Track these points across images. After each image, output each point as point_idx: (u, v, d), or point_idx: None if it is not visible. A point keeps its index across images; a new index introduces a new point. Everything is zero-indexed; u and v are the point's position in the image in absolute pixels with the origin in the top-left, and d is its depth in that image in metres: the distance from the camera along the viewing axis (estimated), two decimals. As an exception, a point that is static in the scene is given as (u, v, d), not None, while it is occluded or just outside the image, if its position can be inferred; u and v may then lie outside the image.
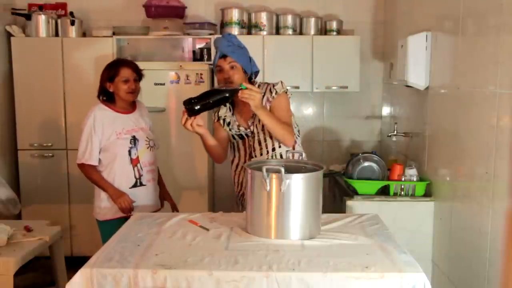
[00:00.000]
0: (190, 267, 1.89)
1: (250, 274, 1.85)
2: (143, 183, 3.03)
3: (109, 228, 2.92)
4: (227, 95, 2.46)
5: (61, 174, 4.25)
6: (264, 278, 1.84)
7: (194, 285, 1.84)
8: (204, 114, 2.55)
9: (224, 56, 2.64)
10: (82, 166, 2.97)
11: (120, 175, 2.97)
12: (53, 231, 3.13)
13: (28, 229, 3.03)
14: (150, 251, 2.04)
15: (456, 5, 2.82)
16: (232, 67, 2.64)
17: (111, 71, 2.97)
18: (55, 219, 3.59)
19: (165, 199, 3.25)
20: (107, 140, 2.94)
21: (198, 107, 2.42)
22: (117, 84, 2.95)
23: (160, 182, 3.23)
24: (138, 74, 3.02)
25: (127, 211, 2.92)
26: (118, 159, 2.95)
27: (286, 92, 2.74)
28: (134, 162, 2.99)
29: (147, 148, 3.05)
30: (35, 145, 4.23)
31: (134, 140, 2.98)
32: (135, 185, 3.00)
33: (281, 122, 2.59)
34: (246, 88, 2.42)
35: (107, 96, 3.02)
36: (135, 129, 3.01)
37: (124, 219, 2.91)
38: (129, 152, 2.97)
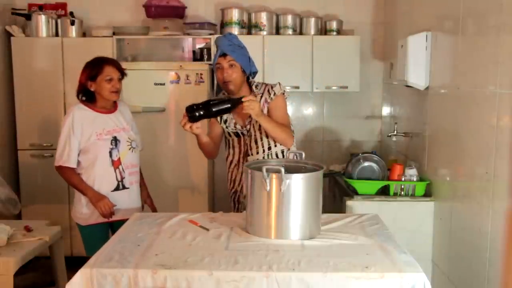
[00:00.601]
0: (190, 267, 1.89)
1: (250, 274, 1.85)
2: (126, 186, 2.91)
3: (91, 232, 2.88)
4: (229, 105, 2.49)
5: (61, 174, 4.24)
6: (264, 278, 1.84)
7: (194, 285, 1.84)
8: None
9: (224, 55, 2.66)
10: (60, 169, 2.86)
11: (100, 177, 2.85)
12: (53, 231, 3.13)
13: (28, 229, 3.03)
14: (150, 251, 2.04)
15: (456, 5, 2.82)
16: (231, 66, 2.66)
17: (94, 70, 2.83)
18: (55, 219, 3.59)
19: (146, 202, 3.14)
20: (87, 141, 2.82)
21: (200, 113, 2.46)
22: (100, 83, 2.82)
23: (141, 184, 3.10)
24: (121, 73, 2.89)
25: (108, 215, 2.82)
26: (98, 161, 2.83)
27: (283, 93, 2.78)
28: (116, 164, 2.87)
29: (129, 149, 2.93)
30: (35, 145, 4.22)
31: (115, 141, 2.87)
32: (117, 188, 2.88)
33: (280, 126, 2.63)
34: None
35: (86, 96, 2.89)
36: (116, 130, 2.89)
37: (107, 224, 2.89)
38: (110, 153, 2.85)
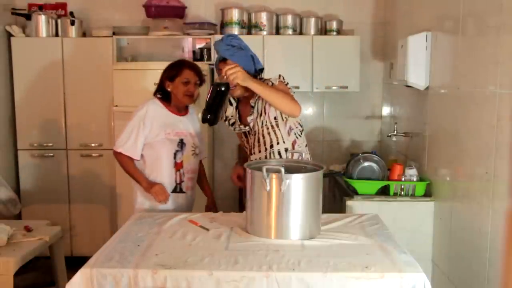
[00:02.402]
0: (190, 267, 1.89)
1: (250, 274, 1.85)
2: (183, 189, 2.93)
3: None
4: (223, 88, 2.48)
5: (61, 174, 4.25)
6: (264, 278, 1.84)
7: (194, 285, 1.84)
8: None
9: (224, 59, 2.64)
10: (118, 154, 2.86)
11: (161, 176, 2.87)
12: (53, 231, 3.13)
13: (28, 229, 3.04)
14: (150, 251, 2.04)
15: (456, 5, 2.82)
16: None
17: (173, 71, 2.88)
18: (55, 219, 3.60)
19: (205, 192, 3.18)
20: (155, 137, 2.84)
21: (210, 115, 2.48)
22: (177, 84, 2.85)
23: (202, 174, 3.15)
24: (200, 79, 2.90)
25: (163, 199, 2.81)
26: (162, 159, 2.86)
27: (285, 83, 2.71)
28: (178, 166, 2.89)
29: (192, 154, 2.94)
30: (35, 145, 4.23)
31: (181, 143, 2.88)
32: (174, 191, 2.90)
33: (280, 91, 2.54)
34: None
35: (163, 95, 2.92)
36: (184, 133, 2.91)
37: None
38: (175, 155, 2.87)
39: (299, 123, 2.80)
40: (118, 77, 3.97)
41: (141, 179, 2.85)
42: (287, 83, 2.74)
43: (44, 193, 4.24)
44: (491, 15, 2.47)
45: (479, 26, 2.60)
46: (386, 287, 1.84)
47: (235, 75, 2.43)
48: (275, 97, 2.52)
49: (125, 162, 2.87)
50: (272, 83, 2.68)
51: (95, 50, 4.20)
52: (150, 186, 2.83)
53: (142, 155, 2.88)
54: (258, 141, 2.75)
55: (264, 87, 2.51)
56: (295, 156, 2.64)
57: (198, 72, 2.90)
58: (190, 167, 2.95)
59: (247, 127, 2.77)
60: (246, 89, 2.69)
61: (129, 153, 2.84)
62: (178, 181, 2.91)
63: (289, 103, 2.53)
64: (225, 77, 2.47)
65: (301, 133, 2.80)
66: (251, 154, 2.77)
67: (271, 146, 2.72)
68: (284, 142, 2.71)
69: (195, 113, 3.05)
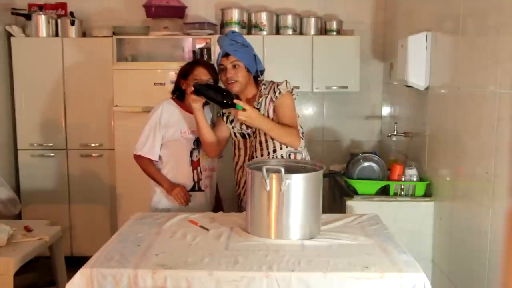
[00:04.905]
0: (190, 267, 1.89)
1: (250, 274, 1.85)
2: (201, 188, 2.93)
3: None
4: (218, 100, 2.52)
5: (61, 174, 4.25)
6: (264, 278, 1.84)
7: (194, 285, 1.84)
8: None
9: (227, 55, 2.63)
10: (138, 158, 2.88)
11: (178, 175, 2.88)
12: (53, 231, 3.13)
13: (28, 229, 3.03)
14: (150, 251, 2.04)
15: (456, 5, 2.82)
16: (234, 66, 2.63)
17: (186, 69, 2.89)
18: (55, 219, 3.59)
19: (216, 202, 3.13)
20: (171, 136, 2.84)
21: (195, 88, 2.56)
22: (189, 82, 2.82)
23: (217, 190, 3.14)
24: (213, 77, 2.86)
25: (184, 201, 2.82)
26: (178, 158, 2.87)
27: (291, 92, 2.73)
28: (195, 164, 2.89)
29: None
30: (35, 145, 4.23)
31: (197, 141, 2.87)
32: (192, 189, 2.90)
33: (284, 128, 2.58)
34: (243, 109, 2.45)
35: (180, 95, 2.93)
36: None
37: None
38: (191, 153, 2.88)
39: (300, 125, 2.80)
40: (118, 77, 3.96)
41: (163, 181, 2.86)
42: (292, 90, 2.73)
43: (44, 193, 4.24)
44: (491, 15, 2.47)
45: (479, 26, 2.60)
46: (386, 287, 1.84)
47: (249, 117, 2.46)
48: (280, 136, 2.58)
49: (146, 165, 2.88)
50: (280, 91, 2.68)
51: (95, 50, 4.20)
52: (171, 188, 2.83)
53: (159, 155, 2.88)
54: (261, 145, 2.73)
55: (272, 127, 2.56)
56: (298, 156, 2.63)
57: (211, 70, 2.87)
58: (208, 165, 2.95)
59: (249, 129, 2.75)
60: (245, 86, 2.69)
61: (149, 155, 2.85)
62: (196, 180, 2.91)
63: (292, 140, 2.60)
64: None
65: (302, 135, 2.80)
66: (253, 158, 2.75)
67: (275, 151, 2.71)
68: (287, 146, 2.70)
69: (209, 113, 3.04)
